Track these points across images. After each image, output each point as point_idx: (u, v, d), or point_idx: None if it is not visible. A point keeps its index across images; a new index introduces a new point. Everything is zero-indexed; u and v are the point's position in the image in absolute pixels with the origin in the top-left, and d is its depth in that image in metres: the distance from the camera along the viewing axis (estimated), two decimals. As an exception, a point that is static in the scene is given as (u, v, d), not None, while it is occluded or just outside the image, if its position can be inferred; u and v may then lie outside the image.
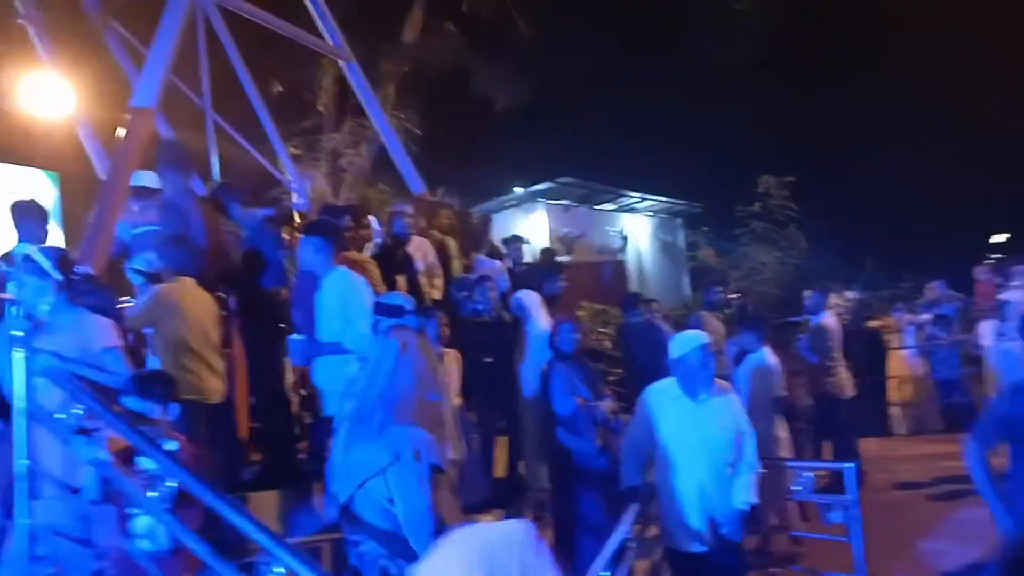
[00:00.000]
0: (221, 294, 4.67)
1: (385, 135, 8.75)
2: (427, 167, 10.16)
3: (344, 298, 4.17)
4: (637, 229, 15.49)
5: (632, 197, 14.80)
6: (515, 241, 7.36)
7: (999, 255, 12.39)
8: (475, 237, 7.27)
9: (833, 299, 10.03)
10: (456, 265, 6.97)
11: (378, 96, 10.17)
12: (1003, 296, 6.49)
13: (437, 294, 6.38)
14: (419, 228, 6.77)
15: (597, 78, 16.13)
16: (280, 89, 11.54)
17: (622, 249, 15.03)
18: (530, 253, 8.26)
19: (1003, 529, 3.21)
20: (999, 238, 17.56)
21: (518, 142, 15.74)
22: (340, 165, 11.88)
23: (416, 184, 8.23)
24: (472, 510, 5.31)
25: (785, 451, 5.67)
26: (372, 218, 6.88)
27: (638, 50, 16.24)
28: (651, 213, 15.87)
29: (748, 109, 16.70)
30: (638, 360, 6.79)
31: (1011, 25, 16.58)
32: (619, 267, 14.77)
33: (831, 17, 18.20)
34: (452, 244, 7.14)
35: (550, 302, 6.38)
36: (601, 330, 9.83)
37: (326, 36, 8.45)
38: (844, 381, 7.48)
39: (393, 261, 5.94)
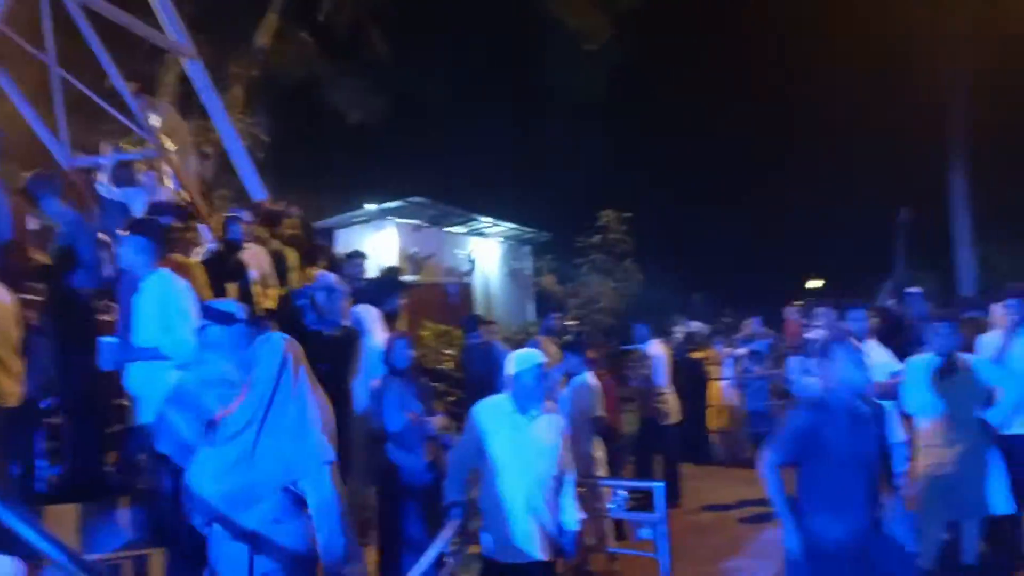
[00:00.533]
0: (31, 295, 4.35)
1: (227, 138, 8.45)
2: (273, 176, 9.90)
3: (164, 302, 4.00)
4: (486, 253, 15.73)
5: (483, 221, 15.03)
6: (356, 256, 7.28)
7: (811, 298, 13.52)
8: (316, 250, 7.14)
9: (677, 330, 10.65)
10: (294, 277, 6.83)
11: (225, 99, 9.82)
12: (808, 335, 7.09)
13: (271, 304, 6.21)
14: (256, 236, 6.58)
15: (453, 102, 16.35)
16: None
17: (470, 272, 15.21)
18: (374, 269, 8.21)
19: (787, 542, 3.53)
20: (814, 283, 19.27)
21: (370, 158, 15.67)
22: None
23: (258, 191, 7.99)
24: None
25: (602, 470, 5.92)
26: (200, 225, 6.65)
27: (494, 78, 16.63)
28: (501, 238, 16.18)
29: (595, 144, 17.49)
30: (476, 379, 6.89)
31: (838, 71, 18.36)
32: (466, 289, 14.93)
33: (677, 60, 19.40)
34: (292, 255, 6.98)
35: (389, 319, 6.36)
36: (445, 351, 9.87)
37: (168, 31, 8.08)
38: (671, 407, 7.91)
39: (224, 267, 5.73)
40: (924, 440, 5.15)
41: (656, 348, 8.06)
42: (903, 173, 18.85)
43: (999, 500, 4.97)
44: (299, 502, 2.96)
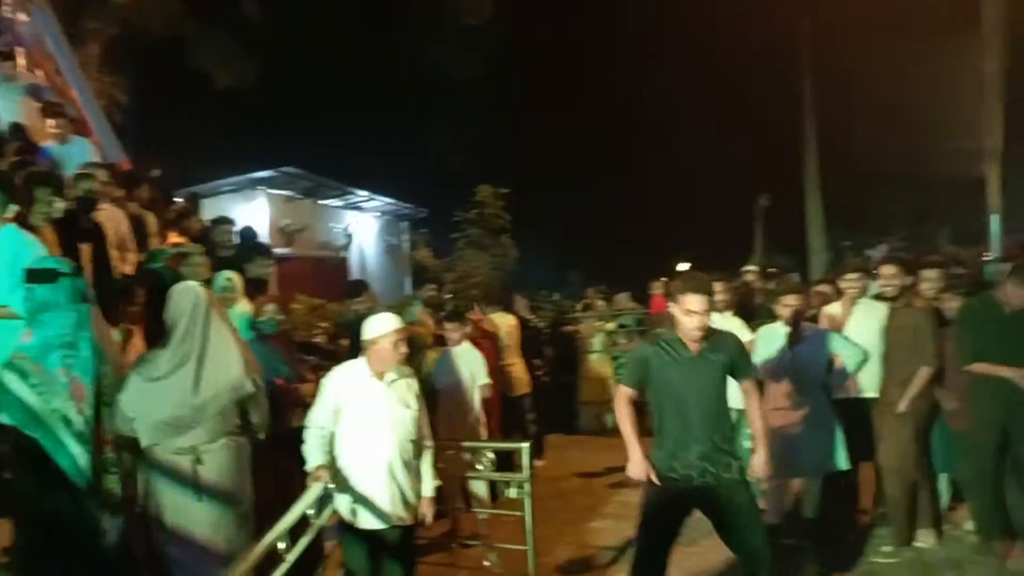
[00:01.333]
0: None
1: (82, 97, 7.91)
2: (134, 139, 9.37)
3: (14, 257, 3.78)
4: (363, 228, 15.50)
5: (359, 195, 14.78)
6: (223, 223, 7.02)
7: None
8: (179, 215, 6.83)
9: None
10: (154, 243, 6.51)
11: (80, 55, 9.18)
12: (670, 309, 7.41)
13: (129, 268, 5.90)
14: (113, 198, 6.22)
15: (329, 72, 15.93)
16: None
17: (346, 246, 14.95)
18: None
19: (630, 468, 3.75)
20: (684, 266, 20.17)
21: (241, 126, 15.06)
22: (27, 126, 10.46)
23: (114, 153, 7.53)
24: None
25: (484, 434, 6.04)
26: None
27: (373, 51, 16.32)
28: (378, 213, 15.97)
29: (474, 120, 17.53)
30: (356, 346, 6.80)
31: (704, 62, 19.15)
32: (341, 264, 14.68)
33: (555, 40, 19.68)
34: (151, 220, 6.66)
35: (257, 287, 6.19)
36: (320, 324, 9.68)
37: (14, -25, 7.47)
38: (516, 379, 8.03)
39: (76, 228, 5.40)
40: (771, 403, 5.52)
41: (503, 319, 8.16)
42: (765, 164, 20.00)
43: (838, 458, 5.41)
44: (234, 423, 3.56)
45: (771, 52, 18.25)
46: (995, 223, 11.64)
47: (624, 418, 3.83)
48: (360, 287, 6.99)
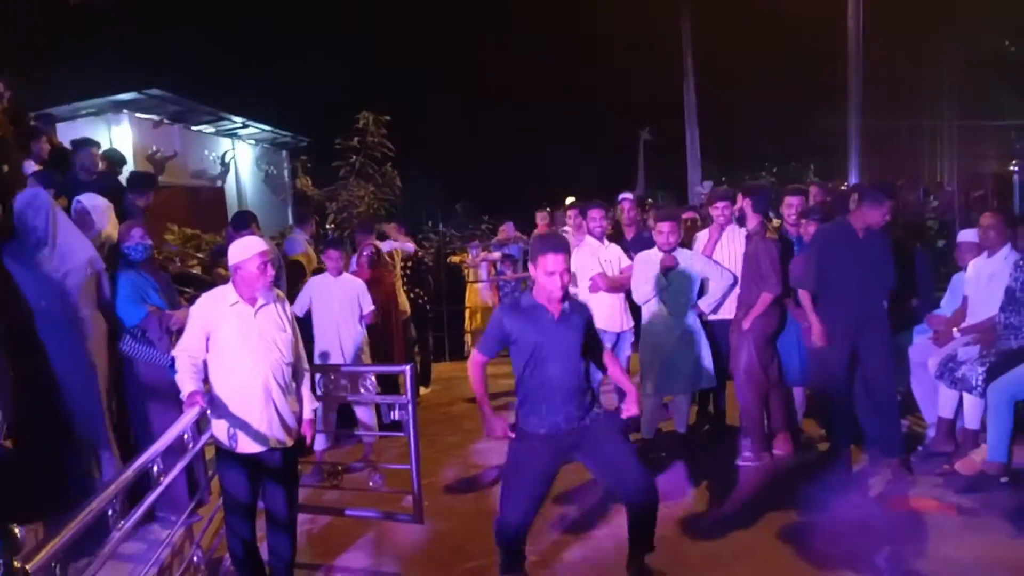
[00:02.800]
0: None
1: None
2: (-24, 54, 8.51)
3: None
4: (240, 156, 14.82)
5: (234, 122, 14.06)
6: (86, 145, 6.58)
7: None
8: (31, 133, 6.33)
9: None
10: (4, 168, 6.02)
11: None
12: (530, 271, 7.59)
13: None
14: (-46, 115, 5.69)
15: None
16: None
17: (222, 175, 14.29)
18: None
19: (487, 429, 3.79)
20: (570, 199, 20.48)
21: (102, 43, 13.97)
22: None
23: (-45, 65, 6.84)
24: None
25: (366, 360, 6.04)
26: None
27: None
28: (254, 141, 15.28)
29: (358, 44, 16.95)
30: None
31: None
32: (217, 193, 14.04)
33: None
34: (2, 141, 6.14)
35: (132, 213, 5.89)
36: (196, 255, 9.29)
37: None
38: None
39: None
40: (646, 326, 5.78)
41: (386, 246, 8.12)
42: (647, 96, 20.38)
43: (706, 376, 5.75)
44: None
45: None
46: (855, 160, 12.40)
47: (477, 382, 3.81)
48: (246, 218, 6.75)
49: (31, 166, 5.98)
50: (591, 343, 3.83)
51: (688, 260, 5.78)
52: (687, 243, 6.14)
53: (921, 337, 5.67)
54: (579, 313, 3.77)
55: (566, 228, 7.73)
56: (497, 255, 10.93)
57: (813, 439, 5.97)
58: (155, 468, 3.06)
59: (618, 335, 6.18)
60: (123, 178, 7.32)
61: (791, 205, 5.95)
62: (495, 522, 3.79)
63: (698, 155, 19.64)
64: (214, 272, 6.98)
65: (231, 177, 14.29)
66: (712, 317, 5.94)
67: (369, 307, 6.13)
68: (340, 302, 6.02)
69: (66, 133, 9.14)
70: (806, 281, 5.28)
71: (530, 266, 3.76)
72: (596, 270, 6.08)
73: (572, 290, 5.87)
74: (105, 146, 8.93)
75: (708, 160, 20.03)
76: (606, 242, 6.29)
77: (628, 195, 7.94)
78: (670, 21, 19.10)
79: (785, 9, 16.05)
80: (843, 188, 10.17)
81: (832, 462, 5.36)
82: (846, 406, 5.35)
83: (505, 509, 3.75)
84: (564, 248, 3.63)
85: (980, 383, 4.73)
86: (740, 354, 5.55)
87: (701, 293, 5.92)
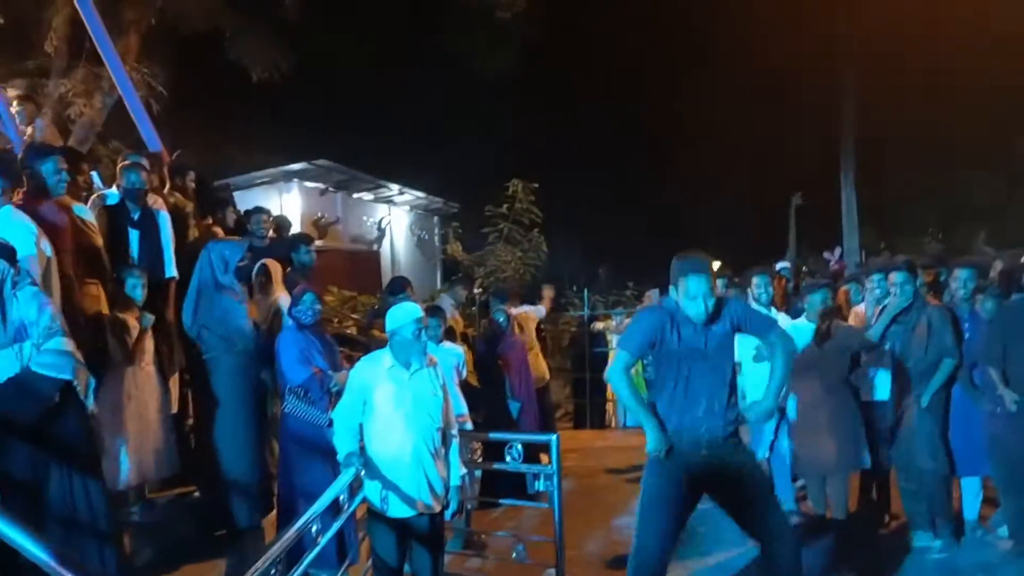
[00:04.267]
0: None
1: (122, 87, 8.03)
2: (172, 130, 9.49)
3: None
4: (394, 221, 15.58)
5: (391, 189, 14.87)
6: (258, 212, 7.11)
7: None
8: (216, 204, 6.92)
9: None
10: (192, 233, 6.60)
11: (119, 46, 9.33)
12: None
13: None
14: (153, 187, 6.32)
15: (363, 66, 16.04)
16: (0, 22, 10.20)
17: (378, 240, 15.05)
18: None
19: (650, 444, 3.62)
20: (715, 264, 20.05)
21: (276, 118, 15.24)
22: (68, 115, 10.68)
23: (154, 143, 7.63)
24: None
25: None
26: (94, 172, 6.37)
27: (405, 45, 16.41)
28: (408, 207, 16.05)
29: (508, 114, 17.56)
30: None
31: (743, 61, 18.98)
32: (373, 257, 14.78)
33: (591, 33, 19.64)
34: (191, 208, 6.75)
35: (301, 274, 6.29)
36: (352, 316, 9.78)
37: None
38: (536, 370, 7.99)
39: (125, 217, 5.51)
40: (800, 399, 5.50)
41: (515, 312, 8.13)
42: (798, 164, 19.79)
43: (863, 456, 5.37)
44: None
45: (812, 50, 18.01)
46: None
47: (627, 388, 3.61)
48: (401, 283, 7.04)
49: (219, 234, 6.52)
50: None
51: (843, 331, 5.48)
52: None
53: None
54: (727, 316, 3.62)
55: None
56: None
57: (992, 534, 5.39)
58: (314, 528, 3.16)
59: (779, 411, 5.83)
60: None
61: (959, 279, 5.48)
62: (629, 558, 3.62)
63: (855, 221, 18.75)
64: (369, 333, 7.30)
65: (386, 242, 15.01)
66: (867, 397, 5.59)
67: (464, 374, 6.18)
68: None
69: (242, 201, 9.94)
70: (991, 358, 4.86)
71: (672, 288, 3.65)
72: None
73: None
74: (276, 212, 9.65)
75: (866, 225, 19.07)
76: (773, 311, 6.07)
77: (786, 263, 7.68)
78: (828, 82, 18.57)
79: (949, 68, 15.31)
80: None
81: (1017, 560, 4.82)
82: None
83: (642, 540, 3.58)
84: (706, 270, 3.52)
85: None
86: (907, 435, 5.15)
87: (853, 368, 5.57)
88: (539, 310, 8.52)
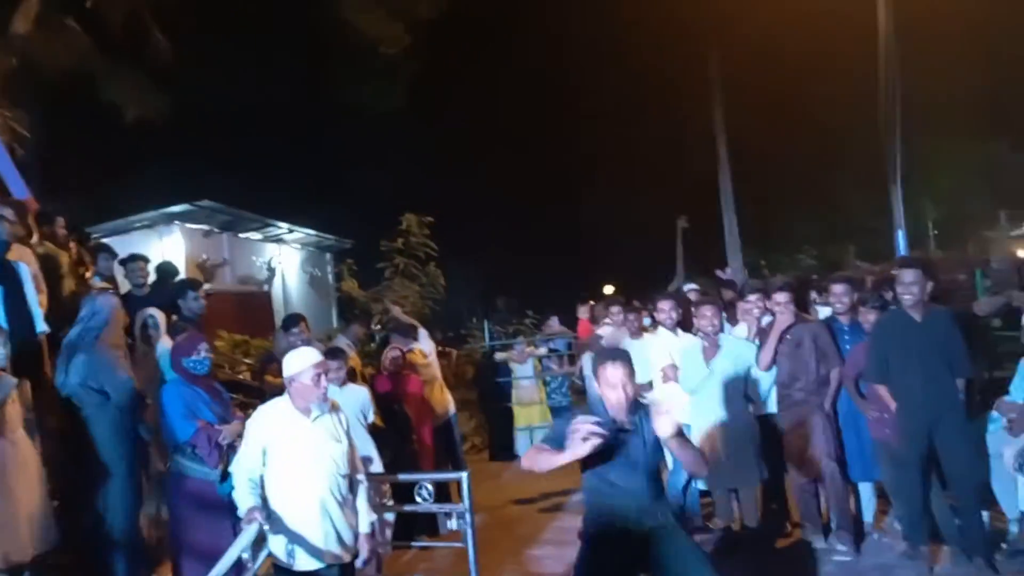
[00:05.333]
0: None
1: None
2: (41, 175, 8.97)
3: None
4: (285, 260, 15.18)
5: (280, 228, 14.49)
6: (134, 260, 6.77)
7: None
8: (90, 253, 6.54)
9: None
10: (67, 284, 6.21)
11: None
12: (597, 331, 7.52)
13: (40, 309, 5.59)
14: (19, 237, 5.91)
15: (245, 106, 15.66)
16: None
17: (269, 280, 14.61)
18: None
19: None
20: (609, 288, 20.54)
21: (154, 160, 14.63)
22: (-79, 164, 9.88)
23: (19, 189, 7.14)
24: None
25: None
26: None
27: (288, 83, 16.15)
28: (299, 245, 15.68)
29: (398, 150, 17.53)
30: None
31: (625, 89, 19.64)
32: (264, 297, 14.32)
33: (474, 70, 19.89)
34: (65, 259, 6.35)
35: (191, 322, 6.01)
36: (244, 360, 9.41)
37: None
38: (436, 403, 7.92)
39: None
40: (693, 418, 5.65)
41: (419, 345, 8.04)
42: (683, 188, 20.58)
43: (761, 468, 5.54)
44: None
45: (685, 78, 18.89)
46: (901, 238, 12.24)
47: (542, 455, 3.50)
48: (295, 319, 6.83)
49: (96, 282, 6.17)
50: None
51: (732, 347, 5.68)
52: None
53: (995, 426, 5.40)
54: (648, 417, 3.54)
55: (606, 321, 7.66)
56: (543, 350, 10.86)
57: (888, 536, 5.66)
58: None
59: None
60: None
61: (836, 294, 5.77)
62: None
63: (737, 240, 19.61)
64: (263, 379, 7.03)
65: (277, 281, 14.60)
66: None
67: (371, 417, 6.01)
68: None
69: (121, 246, 9.46)
70: (874, 373, 5.11)
71: (593, 379, 3.69)
72: (668, 361, 5.99)
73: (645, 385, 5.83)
74: (158, 256, 9.22)
75: (747, 244, 19.98)
76: (679, 332, 6.22)
77: (693, 286, 7.93)
78: (704, 105, 19.46)
79: (816, 88, 16.31)
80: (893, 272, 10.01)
81: (911, 561, 5.05)
82: (922, 502, 5.06)
83: None
84: (623, 359, 3.56)
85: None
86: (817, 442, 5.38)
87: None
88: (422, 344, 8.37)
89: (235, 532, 3.76)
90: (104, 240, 8.51)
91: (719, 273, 14.76)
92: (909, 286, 4.85)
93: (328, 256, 16.34)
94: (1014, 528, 5.16)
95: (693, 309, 6.08)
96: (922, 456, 4.95)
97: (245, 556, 3.39)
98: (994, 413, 5.40)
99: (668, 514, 3.65)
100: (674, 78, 18.72)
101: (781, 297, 5.61)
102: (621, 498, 3.53)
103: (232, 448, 4.51)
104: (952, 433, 4.86)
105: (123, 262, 6.74)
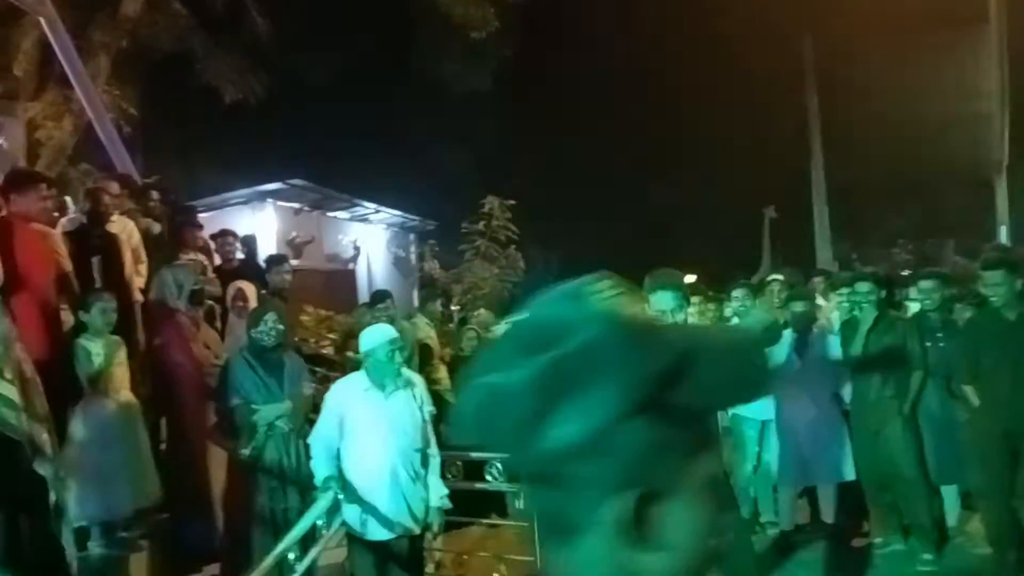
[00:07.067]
0: None
1: (91, 109, 7.96)
2: (143, 151, 9.42)
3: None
4: (370, 240, 15.49)
5: (367, 208, 14.78)
6: (223, 235, 7.06)
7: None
8: (185, 226, 6.85)
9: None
10: (162, 255, 6.52)
11: (89, 68, 9.24)
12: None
13: (141, 281, 5.91)
14: (124, 210, 6.25)
15: (336, 86, 16.02)
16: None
17: (354, 259, 14.94)
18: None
19: None
20: (691, 277, 20.20)
21: (249, 139, 15.13)
22: (37, 138, 10.53)
23: (125, 164, 7.56)
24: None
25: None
26: (67, 198, 6.29)
27: (378, 64, 16.42)
28: (385, 225, 15.95)
29: (482, 132, 17.62)
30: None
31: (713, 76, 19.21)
32: (349, 276, 14.66)
33: (561, 54, 19.77)
34: (159, 230, 6.69)
35: (276, 296, 6.24)
36: (329, 335, 9.69)
37: (27, -10, 7.53)
38: None
39: (90, 240, 5.43)
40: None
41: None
42: (772, 176, 20.03)
43: (849, 466, 5.39)
44: None
45: (777, 65, 18.32)
46: (1004, 234, 11.60)
47: None
48: (383, 295, 7.03)
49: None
50: None
51: (823, 339, 5.53)
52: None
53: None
54: None
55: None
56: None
57: (973, 541, 5.43)
58: (292, 555, 3.11)
59: (763, 423, 5.81)
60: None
61: (925, 290, 5.52)
62: None
63: (828, 232, 18.99)
64: (344, 354, 7.24)
65: (362, 260, 14.91)
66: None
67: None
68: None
69: (216, 222, 9.85)
70: (964, 374, 4.91)
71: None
72: None
73: None
74: (251, 232, 9.57)
75: (838, 236, 19.33)
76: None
77: (779, 276, 7.68)
78: (798, 96, 18.88)
79: (918, 81, 15.56)
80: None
81: (995, 566, 4.85)
82: (1007, 507, 4.84)
83: None
84: (677, 285, 3.50)
85: None
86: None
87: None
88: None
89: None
90: (201, 215, 8.89)
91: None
92: (995, 287, 4.66)
93: (412, 236, 16.57)
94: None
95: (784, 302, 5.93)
96: (1006, 461, 4.73)
97: (320, 523, 3.52)
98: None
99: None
100: (768, 64, 18.17)
101: (863, 287, 5.42)
102: None
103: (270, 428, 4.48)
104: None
105: (214, 237, 7.01)
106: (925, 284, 5.50)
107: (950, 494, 5.52)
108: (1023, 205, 11.81)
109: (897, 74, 16.28)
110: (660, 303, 3.41)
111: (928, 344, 5.30)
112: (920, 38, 14.65)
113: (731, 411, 5.44)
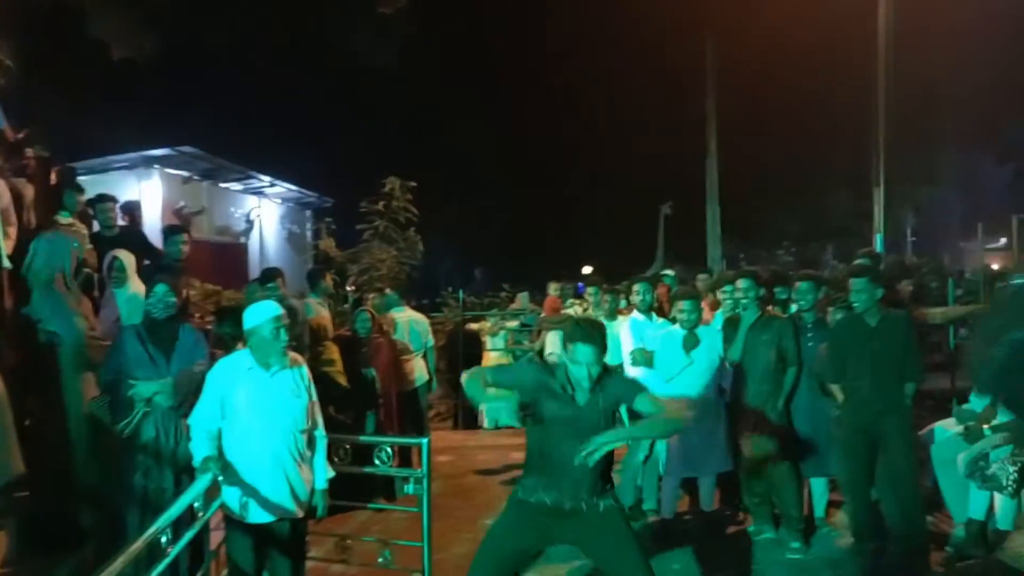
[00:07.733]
0: None
1: (-40, 56, 7.33)
2: (19, 106, 8.74)
3: None
4: (264, 214, 15.04)
5: (261, 180, 14.33)
6: (102, 200, 6.67)
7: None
8: (59, 189, 6.42)
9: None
10: (32, 216, 6.07)
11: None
12: (565, 311, 7.55)
13: (9, 246, 5.48)
14: (-6, 168, 5.79)
15: (234, 54, 15.39)
16: None
17: (246, 232, 14.48)
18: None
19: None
20: (587, 269, 20.56)
21: (138, 101, 14.39)
22: None
23: (-4, 119, 6.98)
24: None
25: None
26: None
27: (281, 33, 15.89)
28: (280, 200, 15.54)
29: (385, 113, 17.38)
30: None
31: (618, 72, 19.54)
32: (241, 250, 14.21)
33: (470, 36, 19.68)
34: (29, 193, 6.22)
35: (172, 267, 5.96)
36: (213, 311, 9.31)
37: None
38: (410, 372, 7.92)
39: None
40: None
41: (402, 315, 8.05)
42: (671, 174, 20.62)
43: (730, 458, 5.60)
44: None
45: (681, 65, 18.84)
46: (879, 242, 12.33)
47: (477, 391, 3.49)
48: (273, 273, 6.80)
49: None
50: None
51: (710, 337, 5.72)
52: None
53: (947, 433, 5.51)
54: (610, 392, 3.47)
55: (573, 301, 7.67)
56: (515, 323, 10.88)
57: (837, 530, 5.76)
58: (164, 538, 2.97)
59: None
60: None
61: (800, 291, 5.79)
62: None
63: (718, 231, 19.72)
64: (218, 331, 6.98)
65: (255, 235, 14.47)
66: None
67: None
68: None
69: (98, 186, 9.30)
70: (830, 373, 5.20)
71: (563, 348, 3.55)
72: (639, 345, 6.00)
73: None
74: (135, 199, 9.07)
75: (728, 236, 20.10)
76: (655, 317, 6.24)
77: (670, 272, 7.95)
78: (698, 98, 19.44)
79: (810, 87, 16.34)
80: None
81: (857, 557, 5.16)
82: (867, 499, 5.18)
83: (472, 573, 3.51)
84: (598, 341, 3.38)
85: (1012, 482, 4.57)
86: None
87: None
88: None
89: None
90: (81, 179, 8.37)
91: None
92: (858, 294, 5.01)
93: (308, 213, 16.21)
94: (960, 533, 5.28)
95: (672, 299, 6.09)
96: (867, 455, 5.06)
97: (196, 505, 3.38)
98: (949, 420, 5.53)
99: (609, 495, 3.54)
100: (671, 64, 18.67)
101: (745, 285, 5.63)
102: (559, 471, 3.43)
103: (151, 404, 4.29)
104: (895, 433, 4.96)
105: (91, 202, 6.62)
106: (801, 285, 5.79)
107: (819, 486, 5.83)
108: (897, 216, 12.62)
109: (793, 80, 17.05)
110: (579, 356, 3.38)
111: (804, 343, 5.58)
112: (817, 46, 15.37)
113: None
